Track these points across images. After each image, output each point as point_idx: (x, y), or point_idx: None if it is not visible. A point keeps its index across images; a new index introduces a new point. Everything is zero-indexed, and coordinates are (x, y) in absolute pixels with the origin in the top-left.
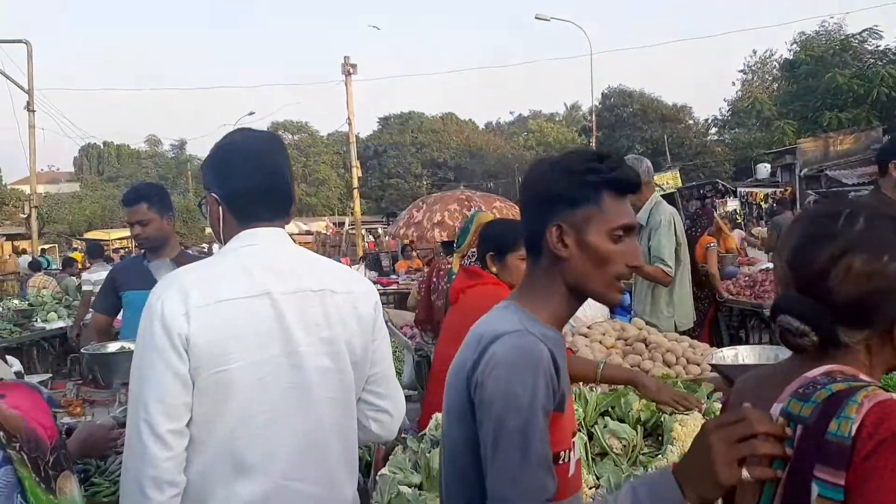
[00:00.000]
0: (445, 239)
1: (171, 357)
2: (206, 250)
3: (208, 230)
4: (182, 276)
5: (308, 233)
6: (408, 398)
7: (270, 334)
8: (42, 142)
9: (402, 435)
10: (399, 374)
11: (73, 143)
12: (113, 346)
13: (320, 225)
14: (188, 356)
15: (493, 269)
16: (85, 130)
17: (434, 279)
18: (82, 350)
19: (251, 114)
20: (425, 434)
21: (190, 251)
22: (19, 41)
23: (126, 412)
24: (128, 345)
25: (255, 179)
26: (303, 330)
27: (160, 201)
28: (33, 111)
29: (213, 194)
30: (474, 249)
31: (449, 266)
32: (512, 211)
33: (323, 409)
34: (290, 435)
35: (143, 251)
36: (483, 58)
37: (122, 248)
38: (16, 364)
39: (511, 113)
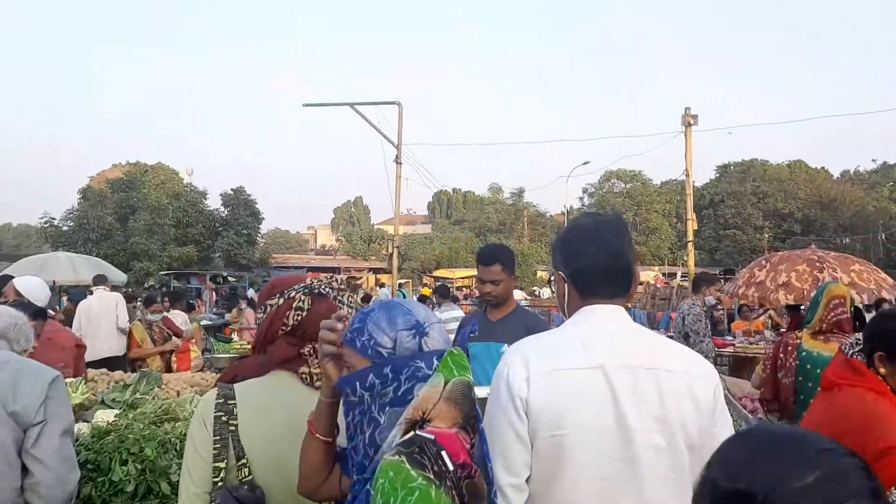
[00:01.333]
0: (791, 302)
1: (512, 417)
2: (535, 293)
3: (540, 273)
4: (526, 346)
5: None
6: None
7: (603, 406)
8: (405, 189)
9: None
10: None
11: (428, 190)
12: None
13: (649, 275)
14: (527, 418)
15: (882, 371)
16: (438, 179)
17: (781, 355)
18: None
19: (586, 163)
20: None
21: (521, 305)
22: (393, 102)
23: None
24: (476, 391)
25: (598, 260)
26: (634, 406)
27: (511, 263)
28: (400, 163)
29: (561, 272)
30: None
31: (798, 341)
32: (874, 276)
33: (654, 487)
34: None
35: (485, 306)
36: (841, 103)
37: (464, 287)
38: None
39: (874, 161)
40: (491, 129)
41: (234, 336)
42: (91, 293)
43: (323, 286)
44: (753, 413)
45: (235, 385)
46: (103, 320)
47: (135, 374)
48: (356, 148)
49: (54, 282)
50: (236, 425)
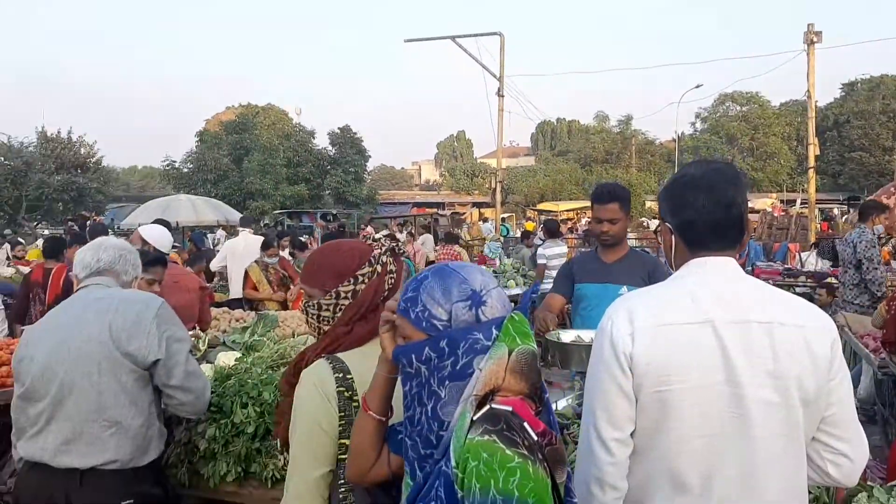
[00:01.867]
0: None
1: (616, 373)
2: (644, 224)
3: (649, 204)
4: (631, 299)
5: (752, 210)
6: (861, 413)
7: (712, 361)
8: (507, 122)
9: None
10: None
11: (531, 122)
12: (568, 336)
13: (766, 203)
14: (632, 373)
15: None
16: (542, 110)
17: None
18: (546, 336)
19: (698, 86)
20: None
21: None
22: (494, 33)
23: (578, 399)
24: (582, 335)
25: (707, 211)
26: (746, 361)
27: (628, 202)
28: (502, 96)
29: (667, 224)
30: None
31: None
32: None
33: (765, 443)
34: (729, 463)
35: (595, 246)
36: None
37: (569, 220)
38: None
39: None
40: (596, 55)
41: None
42: (236, 234)
43: (396, 246)
44: (875, 352)
45: (343, 356)
46: (247, 261)
47: (253, 314)
48: (458, 81)
49: (177, 222)
50: (357, 401)
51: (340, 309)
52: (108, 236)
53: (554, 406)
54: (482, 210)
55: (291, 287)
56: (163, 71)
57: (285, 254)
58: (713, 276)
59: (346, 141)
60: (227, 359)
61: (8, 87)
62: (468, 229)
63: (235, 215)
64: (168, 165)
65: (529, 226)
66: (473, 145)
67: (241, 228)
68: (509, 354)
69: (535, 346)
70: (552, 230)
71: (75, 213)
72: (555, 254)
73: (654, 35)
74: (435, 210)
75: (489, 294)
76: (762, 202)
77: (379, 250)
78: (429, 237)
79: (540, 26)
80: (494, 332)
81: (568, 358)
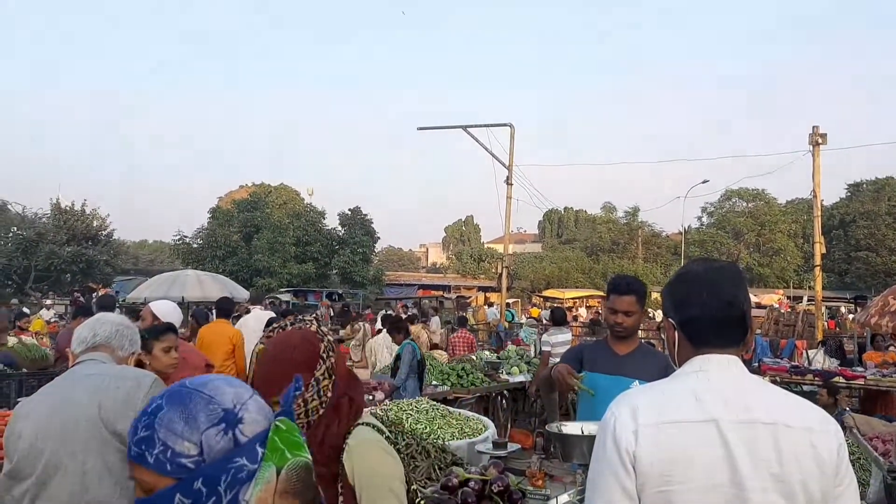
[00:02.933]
0: None
1: (619, 471)
2: (649, 315)
3: (654, 295)
4: (635, 395)
5: (759, 306)
6: None
7: (716, 462)
8: (515, 209)
9: None
10: (864, 485)
11: (538, 210)
12: (571, 428)
13: (772, 298)
14: (635, 472)
15: None
16: (549, 198)
17: None
18: (546, 427)
19: (705, 182)
20: None
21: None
22: (505, 124)
23: (580, 495)
24: (586, 427)
25: (709, 308)
26: (751, 463)
27: (644, 296)
28: (511, 184)
29: (670, 319)
30: None
31: None
32: None
33: None
34: None
35: (604, 335)
36: None
37: (573, 308)
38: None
39: None
40: (604, 148)
41: (351, 353)
42: (247, 311)
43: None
44: (885, 456)
45: (373, 422)
46: (256, 338)
47: None
48: (468, 168)
49: (183, 298)
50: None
51: (322, 392)
52: (108, 313)
53: (554, 501)
54: (488, 294)
55: None
56: (179, 149)
57: None
58: (717, 374)
59: (356, 222)
60: None
61: (26, 158)
62: (473, 313)
63: (242, 292)
64: (179, 240)
65: (535, 312)
66: (481, 230)
67: (251, 306)
68: (278, 474)
69: (308, 457)
70: (559, 318)
71: (83, 284)
72: (559, 341)
73: (661, 131)
74: (441, 293)
75: (245, 408)
76: (769, 298)
77: (314, 328)
78: (436, 319)
79: (549, 118)
80: (260, 450)
81: (570, 450)
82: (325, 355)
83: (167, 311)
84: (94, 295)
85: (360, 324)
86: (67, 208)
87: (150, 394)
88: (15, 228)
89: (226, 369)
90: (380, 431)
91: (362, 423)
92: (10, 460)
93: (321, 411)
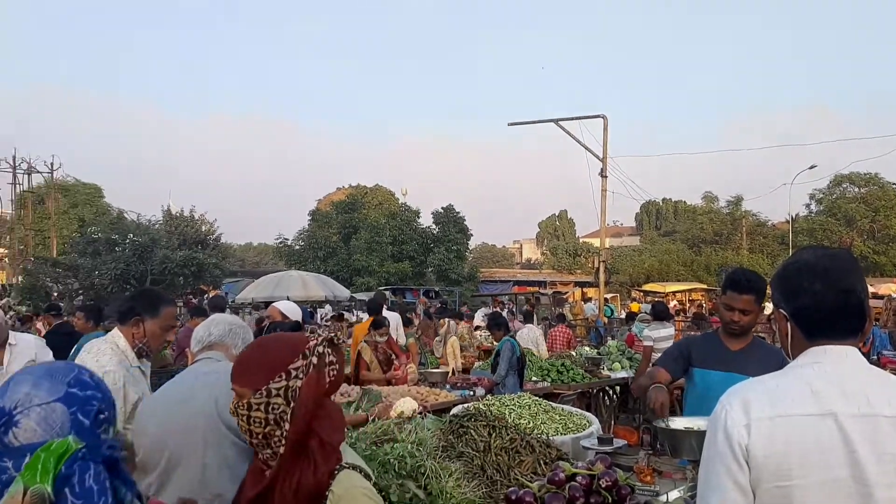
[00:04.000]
0: None
1: (731, 465)
2: None
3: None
4: (746, 388)
5: (875, 296)
6: None
7: (836, 457)
8: (611, 202)
9: None
10: None
11: (635, 202)
12: (679, 423)
13: (890, 288)
14: (748, 466)
15: None
16: (646, 190)
17: None
18: (653, 423)
19: (812, 167)
20: None
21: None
22: (597, 116)
23: (690, 491)
24: (694, 423)
25: (824, 298)
26: (875, 458)
27: (763, 295)
28: (605, 176)
29: (782, 311)
30: None
31: None
32: None
33: None
34: None
35: (716, 329)
36: None
37: (676, 302)
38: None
39: None
40: (703, 136)
41: (434, 349)
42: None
43: (335, 337)
44: None
45: (358, 464)
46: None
47: (358, 388)
48: (561, 162)
49: (287, 297)
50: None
51: (272, 408)
52: (223, 313)
53: (664, 497)
54: (585, 290)
55: (395, 363)
56: (281, 155)
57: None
58: (834, 367)
59: (450, 220)
60: None
61: (140, 170)
62: (570, 309)
63: (343, 291)
64: (281, 243)
65: (634, 307)
66: (576, 225)
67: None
68: (24, 493)
69: (49, 490)
70: (660, 312)
71: (195, 286)
72: (662, 336)
73: (764, 117)
74: (536, 289)
75: (26, 413)
76: (886, 287)
77: (315, 341)
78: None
79: (644, 107)
80: (28, 460)
81: (679, 446)
82: (292, 371)
83: (291, 309)
84: (205, 296)
85: (445, 319)
86: (178, 215)
87: None
88: (131, 235)
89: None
90: (367, 476)
91: (347, 466)
92: (136, 455)
93: (256, 431)
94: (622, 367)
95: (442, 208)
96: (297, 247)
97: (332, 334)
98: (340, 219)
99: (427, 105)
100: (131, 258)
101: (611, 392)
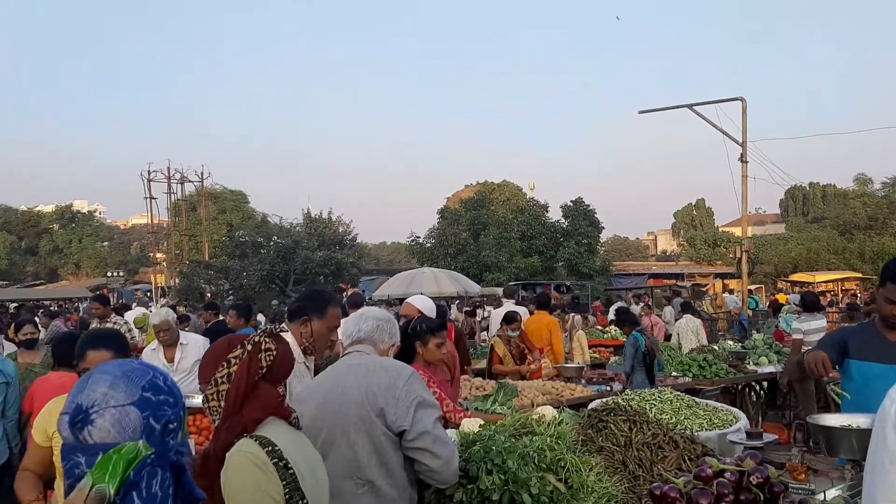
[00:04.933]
0: None
1: None
2: None
3: None
4: None
5: None
6: None
7: None
8: (752, 188)
9: None
10: None
11: (779, 188)
12: (833, 420)
13: None
14: None
15: None
16: (791, 174)
17: None
18: (807, 419)
19: None
20: None
21: None
22: (735, 99)
23: (851, 490)
24: (853, 420)
25: None
26: None
27: None
28: (746, 161)
29: None
30: None
31: None
32: None
33: None
34: None
35: (872, 317)
36: None
37: (828, 292)
38: None
39: None
40: (851, 114)
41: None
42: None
43: (275, 327)
44: None
45: (267, 434)
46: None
47: (493, 382)
48: (695, 149)
49: (421, 293)
50: (293, 474)
51: (222, 395)
52: (371, 307)
53: (821, 496)
54: (726, 281)
55: (528, 358)
56: (409, 155)
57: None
58: None
59: (579, 213)
60: (471, 424)
61: (279, 176)
62: (711, 301)
63: (474, 287)
64: (413, 241)
65: (782, 298)
66: (714, 213)
67: (504, 299)
68: (91, 489)
69: (111, 492)
70: (810, 303)
71: (334, 285)
72: (813, 328)
73: None
74: (674, 281)
75: (101, 414)
76: None
77: (256, 335)
78: (669, 309)
79: (786, 87)
80: (100, 459)
81: (836, 444)
82: (232, 360)
83: (427, 306)
84: (344, 294)
85: (570, 315)
86: (317, 217)
87: (409, 384)
88: (275, 238)
89: (545, 354)
90: (266, 444)
91: (249, 437)
92: None
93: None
94: (769, 362)
95: (571, 201)
96: (429, 244)
97: (277, 329)
98: (469, 216)
99: (553, 96)
100: (275, 259)
101: (757, 388)
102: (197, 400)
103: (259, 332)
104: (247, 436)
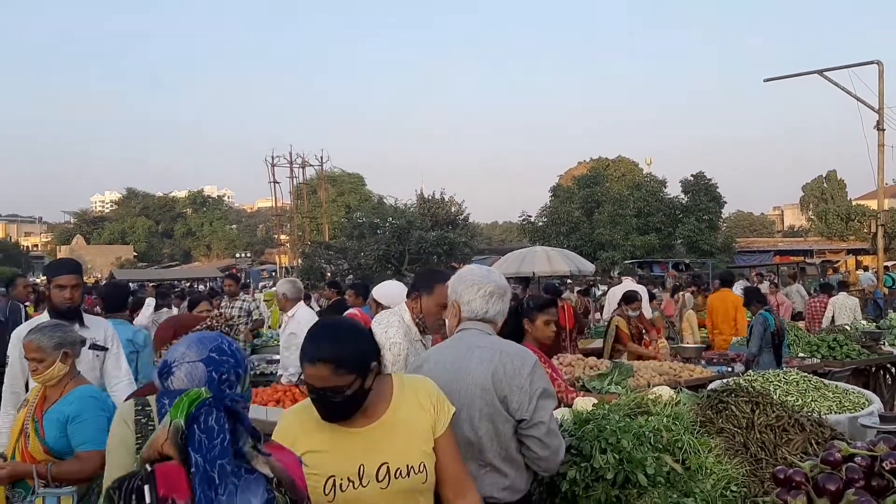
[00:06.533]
0: None
1: None
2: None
3: None
4: None
5: None
6: None
7: None
8: (890, 157)
9: None
10: None
11: None
12: None
13: None
14: None
15: None
16: None
17: None
18: None
19: None
20: None
21: None
22: (871, 62)
23: None
24: None
25: None
26: None
27: None
28: (883, 129)
29: None
30: None
31: None
32: None
33: None
34: None
35: None
36: None
37: None
38: None
39: None
40: None
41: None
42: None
43: (216, 326)
44: None
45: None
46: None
47: (608, 362)
48: (825, 118)
49: (534, 273)
50: (153, 425)
51: None
52: (492, 275)
53: None
54: (860, 258)
55: (646, 338)
56: (522, 135)
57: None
58: None
59: (700, 188)
60: (584, 403)
61: (395, 161)
62: (844, 279)
63: (587, 265)
64: (524, 220)
65: None
66: (847, 186)
67: (624, 277)
68: (170, 424)
69: (183, 424)
70: None
71: (448, 264)
72: None
73: None
74: (802, 258)
75: (179, 367)
76: None
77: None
78: (796, 287)
79: None
80: (176, 401)
81: None
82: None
83: (391, 295)
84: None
85: (680, 294)
86: (430, 198)
87: (533, 373)
88: (390, 219)
89: (728, 330)
90: (139, 404)
91: (133, 400)
92: None
93: None
94: None
95: (691, 175)
96: (540, 223)
97: (213, 324)
98: (582, 193)
99: (670, 66)
100: (391, 240)
101: (893, 370)
102: None
103: (202, 325)
104: (133, 399)
